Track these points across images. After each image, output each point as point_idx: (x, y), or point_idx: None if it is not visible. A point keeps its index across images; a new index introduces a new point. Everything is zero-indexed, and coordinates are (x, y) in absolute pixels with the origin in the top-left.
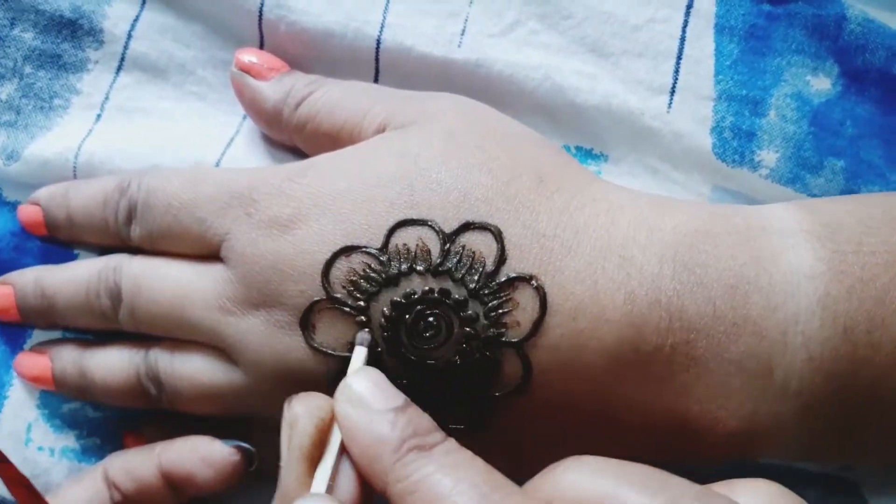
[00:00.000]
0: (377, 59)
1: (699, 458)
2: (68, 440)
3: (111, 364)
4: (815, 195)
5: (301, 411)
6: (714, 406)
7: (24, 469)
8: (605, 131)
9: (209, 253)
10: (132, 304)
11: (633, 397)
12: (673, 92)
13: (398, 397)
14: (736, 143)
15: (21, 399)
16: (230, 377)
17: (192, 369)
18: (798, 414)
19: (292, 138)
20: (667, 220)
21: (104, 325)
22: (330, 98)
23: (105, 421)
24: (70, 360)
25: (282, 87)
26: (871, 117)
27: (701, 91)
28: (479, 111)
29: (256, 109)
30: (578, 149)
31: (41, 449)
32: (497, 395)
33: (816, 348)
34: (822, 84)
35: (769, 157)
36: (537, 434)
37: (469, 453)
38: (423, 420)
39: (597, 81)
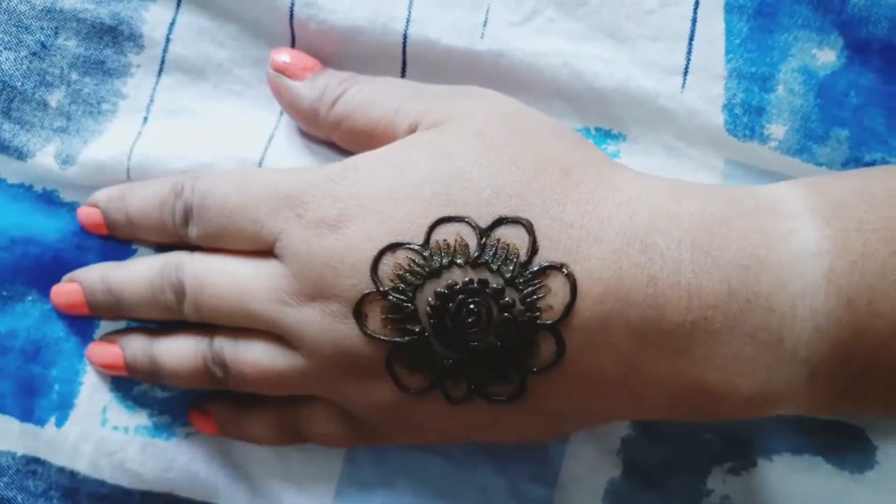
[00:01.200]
0: (404, 53)
1: (719, 418)
2: (141, 418)
3: (179, 351)
4: (821, 164)
5: None
6: (731, 374)
7: (102, 448)
8: (623, 112)
9: (264, 249)
10: (196, 299)
11: (656, 369)
12: (686, 73)
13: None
14: (746, 119)
15: (95, 384)
16: (291, 362)
17: (254, 355)
18: (807, 379)
19: (329, 135)
20: (684, 207)
21: (169, 316)
22: (363, 96)
23: (174, 399)
24: (140, 348)
25: (316, 87)
26: (874, 86)
27: (713, 70)
28: (506, 106)
29: (295, 109)
30: (598, 130)
31: (116, 428)
32: (534, 371)
33: (822, 320)
34: (827, 57)
35: (778, 130)
36: (570, 402)
37: None
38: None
39: (614, 66)
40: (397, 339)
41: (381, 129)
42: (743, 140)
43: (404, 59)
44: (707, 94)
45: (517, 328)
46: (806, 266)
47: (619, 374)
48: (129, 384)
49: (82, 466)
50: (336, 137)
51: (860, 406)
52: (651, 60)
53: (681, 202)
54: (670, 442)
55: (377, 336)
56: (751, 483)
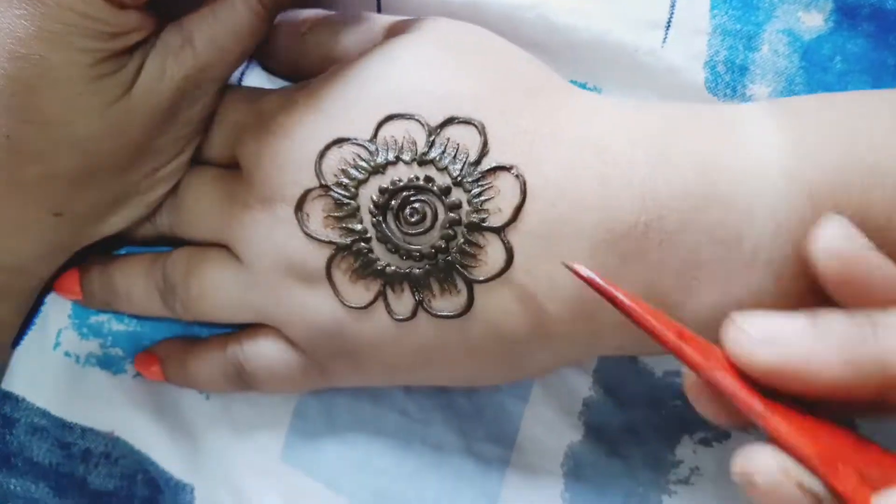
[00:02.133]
0: (379, 3)
1: None
2: (93, 346)
3: (132, 271)
4: None
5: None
6: (688, 277)
7: (48, 371)
8: (599, 67)
9: (231, 155)
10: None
11: (613, 277)
12: (668, 27)
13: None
14: (729, 78)
15: (54, 306)
16: (237, 274)
17: (203, 270)
18: (772, 283)
19: (298, 66)
20: (642, 116)
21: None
22: (333, 26)
23: (128, 335)
24: (96, 271)
25: (284, 18)
26: (863, 52)
27: (696, 25)
28: (475, 27)
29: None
30: (572, 82)
31: (68, 354)
32: (481, 280)
33: (783, 217)
34: (813, 20)
35: (761, 90)
36: (522, 322)
37: None
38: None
39: (591, 18)
40: (338, 241)
41: (354, 56)
42: (723, 100)
43: (378, 8)
44: (689, 50)
45: (463, 230)
46: (763, 162)
47: (573, 287)
48: (88, 311)
49: (27, 391)
50: (305, 67)
51: None
52: (632, 13)
53: (639, 111)
54: (637, 406)
55: (317, 237)
56: (724, 455)
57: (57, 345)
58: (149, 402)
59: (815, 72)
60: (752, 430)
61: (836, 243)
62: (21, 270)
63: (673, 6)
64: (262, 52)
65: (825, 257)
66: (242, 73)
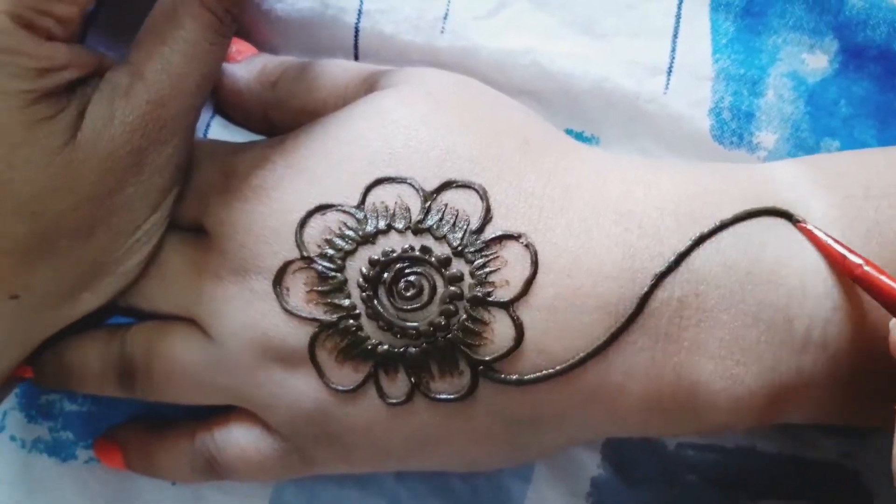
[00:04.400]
0: (356, 48)
1: (714, 428)
2: (41, 431)
3: (89, 346)
4: None
5: None
6: (730, 362)
7: None
8: (598, 115)
9: (195, 220)
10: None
11: (639, 359)
12: (670, 72)
13: None
14: (735, 125)
15: None
16: (205, 351)
17: (166, 345)
18: (825, 368)
19: (268, 118)
20: (663, 177)
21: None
22: (307, 74)
23: (81, 416)
24: (49, 348)
25: (253, 67)
26: (868, 95)
27: (699, 71)
28: (465, 78)
29: (229, 90)
30: (568, 131)
31: (14, 438)
32: (487, 360)
33: (840, 296)
34: (818, 62)
35: (767, 138)
36: (532, 404)
37: None
38: None
39: (589, 64)
40: (323, 318)
41: (332, 108)
42: (729, 148)
43: (356, 54)
44: (692, 96)
45: (465, 305)
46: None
47: (592, 369)
48: (37, 390)
49: None
50: (277, 119)
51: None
52: (631, 58)
53: (658, 172)
54: (648, 485)
55: (299, 314)
56: None
57: (2, 428)
58: (102, 491)
59: (821, 117)
60: None
61: None
62: None
63: (674, 51)
64: (227, 102)
65: None
66: (207, 126)
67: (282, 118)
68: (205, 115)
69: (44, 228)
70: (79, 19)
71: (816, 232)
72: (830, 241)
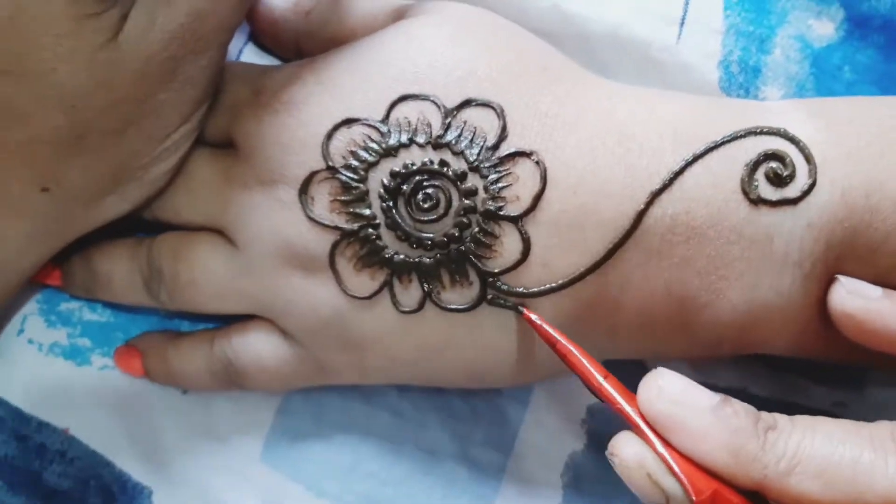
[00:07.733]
0: None
1: (701, 347)
2: (59, 336)
3: (116, 254)
4: None
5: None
6: (715, 277)
7: (9, 358)
8: (611, 60)
9: (226, 134)
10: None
11: (634, 274)
12: (683, 23)
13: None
14: (742, 78)
15: (22, 292)
16: (230, 259)
17: (193, 254)
18: (802, 288)
19: (302, 47)
20: (667, 105)
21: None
22: (340, 5)
23: (100, 326)
24: (76, 255)
25: None
26: (872, 64)
27: (710, 24)
28: (487, 11)
29: (264, 19)
30: None
31: (31, 342)
32: (496, 272)
33: (815, 214)
34: (824, 29)
35: (773, 93)
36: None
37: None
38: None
39: (605, 9)
40: (344, 226)
41: (361, 37)
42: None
43: None
44: (703, 48)
45: (478, 218)
46: None
47: (592, 282)
48: (58, 298)
49: None
50: (308, 49)
51: None
52: (646, 6)
53: (663, 99)
54: None
55: (322, 221)
56: None
57: (21, 331)
58: (111, 396)
59: (825, 79)
60: None
61: (847, 303)
62: (2, 263)
63: (687, 3)
64: (261, 30)
65: (840, 317)
66: (240, 52)
67: (312, 47)
68: (238, 41)
69: (80, 123)
70: None
71: (537, 321)
72: (547, 327)
